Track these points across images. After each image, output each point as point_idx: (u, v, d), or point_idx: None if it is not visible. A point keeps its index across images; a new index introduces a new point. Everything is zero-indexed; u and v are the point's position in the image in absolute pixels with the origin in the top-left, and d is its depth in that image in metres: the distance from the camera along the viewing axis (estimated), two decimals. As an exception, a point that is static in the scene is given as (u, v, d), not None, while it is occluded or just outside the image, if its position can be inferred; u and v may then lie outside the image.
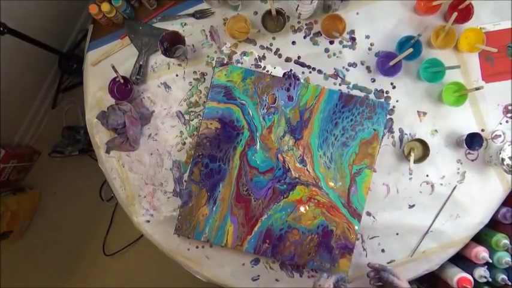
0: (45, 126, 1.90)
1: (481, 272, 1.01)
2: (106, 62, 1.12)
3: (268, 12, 1.03)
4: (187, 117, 1.10)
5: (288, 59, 1.08)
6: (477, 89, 0.96)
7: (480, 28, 1.03)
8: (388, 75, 1.03)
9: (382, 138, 1.05)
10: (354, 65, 1.07)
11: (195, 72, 1.10)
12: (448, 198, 1.05)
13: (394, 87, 1.06)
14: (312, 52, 1.08)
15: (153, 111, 1.10)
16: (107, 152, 1.11)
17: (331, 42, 1.08)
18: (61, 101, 1.87)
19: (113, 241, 1.82)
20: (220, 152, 1.06)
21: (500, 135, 1.05)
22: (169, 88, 1.10)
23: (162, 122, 1.10)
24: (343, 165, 1.04)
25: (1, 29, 1.23)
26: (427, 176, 1.06)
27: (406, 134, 1.06)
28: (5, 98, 1.54)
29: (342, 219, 1.04)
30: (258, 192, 1.05)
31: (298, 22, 1.08)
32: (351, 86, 1.07)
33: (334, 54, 1.07)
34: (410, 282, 1.09)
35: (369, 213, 1.06)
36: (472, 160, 1.06)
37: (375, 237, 1.06)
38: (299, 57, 1.08)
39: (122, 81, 1.05)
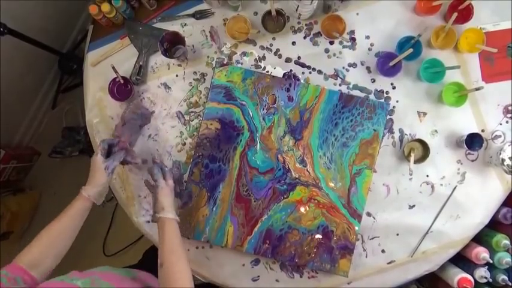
0: (45, 126, 1.90)
1: (482, 273, 1.01)
2: (106, 63, 1.12)
3: (268, 12, 1.03)
4: (187, 117, 1.10)
5: (288, 60, 1.08)
6: (477, 89, 0.96)
7: (480, 28, 1.03)
8: (388, 75, 1.03)
9: (382, 138, 1.05)
10: (354, 65, 1.07)
11: (195, 72, 1.10)
12: (448, 198, 1.05)
13: (394, 88, 1.06)
14: (312, 52, 1.08)
15: (153, 112, 1.10)
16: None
17: (331, 43, 1.08)
18: (61, 101, 1.88)
19: (113, 241, 1.82)
20: (220, 152, 1.06)
21: (500, 136, 1.05)
22: (169, 88, 1.10)
23: (162, 122, 1.10)
24: (343, 166, 1.04)
25: (1, 29, 1.23)
26: (427, 176, 1.05)
27: (406, 135, 1.06)
28: (5, 98, 1.55)
29: (342, 219, 1.04)
30: (258, 193, 1.05)
31: (298, 22, 1.08)
32: (351, 86, 1.07)
33: (334, 55, 1.07)
34: (411, 282, 1.09)
35: (369, 214, 1.06)
36: (472, 160, 1.06)
37: (375, 237, 1.06)
38: (299, 58, 1.08)
39: (122, 81, 1.05)
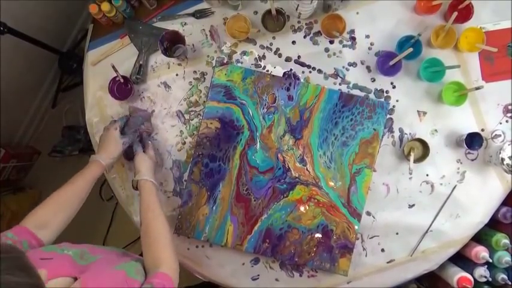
0: (45, 126, 1.90)
1: (481, 272, 1.01)
2: (106, 62, 1.12)
3: (268, 11, 1.03)
4: (187, 116, 1.10)
5: (288, 59, 1.08)
6: (477, 88, 0.96)
7: (480, 28, 1.03)
8: (388, 74, 1.03)
9: (382, 137, 1.05)
10: (354, 64, 1.07)
11: (195, 71, 1.10)
12: (448, 197, 1.05)
13: (394, 87, 1.06)
14: (312, 52, 1.08)
15: (153, 111, 1.10)
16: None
17: (331, 42, 1.08)
18: (61, 100, 1.87)
19: (113, 241, 1.82)
20: (220, 151, 1.06)
21: (500, 135, 1.05)
22: (169, 88, 1.10)
23: (162, 121, 1.10)
24: (343, 165, 1.04)
25: (1, 28, 1.23)
26: (427, 175, 1.06)
27: (406, 134, 1.06)
28: (5, 97, 1.54)
29: (341, 218, 1.04)
30: (258, 192, 1.05)
31: (298, 22, 1.08)
32: (350, 85, 1.07)
33: (334, 54, 1.07)
34: (411, 281, 1.09)
35: (368, 213, 1.06)
36: (472, 160, 1.06)
37: (374, 236, 1.06)
38: (299, 57, 1.08)
39: (122, 80, 1.05)
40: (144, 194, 0.89)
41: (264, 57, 1.09)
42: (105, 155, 0.93)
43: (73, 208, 0.86)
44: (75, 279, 0.64)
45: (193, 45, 1.10)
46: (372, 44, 1.07)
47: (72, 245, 0.74)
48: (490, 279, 1.00)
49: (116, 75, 1.03)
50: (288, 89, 1.06)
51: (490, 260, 0.99)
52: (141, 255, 0.85)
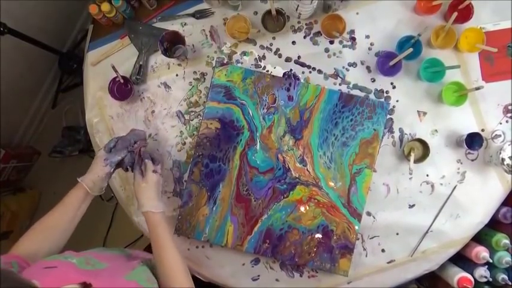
0: (45, 126, 1.90)
1: (482, 272, 1.01)
2: (106, 62, 1.12)
3: (268, 12, 1.03)
4: (187, 117, 1.10)
5: (288, 59, 1.08)
6: (477, 88, 0.96)
7: (480, 28, 1.03)
8: (388, 75, 1.03)
9: (382, 138, 1.05)
10: (354, 64, 1.07)
11: (195, 72, 1.10)
12: (448, 198, 1.05)
13: (394, 87, 1.06)
14: (312, 52, 1.08)
15: (153, 111, 1.10)
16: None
17: (331, 42, 1.08)
18: (61, 101, 1.88)
19: (113, 241, 1.82)
20: (220, 152, 1.06)
21: (500, 135, 1.05)
22: (169, 88, 1.10)
23: (162, 122, 1.10)
24: (343, 165, 1.04)
25: (1, 29, 1.24)
26: (427, 175, 1.05)
27: (406, 134, 1.06)
28: (5, 97, 1.55)
29: (342, 219, 1.04)
30: (258, 192, 1.05)
31: (298, 22, 1.08)
32: (351, 85, 1.07)
33: (334, 54, 1.07)
34: (411, 281, 1.09)
35: (369, 213, 1.06)
36: (472, 160, 1.06)
37: (375, 237, 1.06)
38: (299, 57, 1.08)
39: (122, 81, 1.05)
40: (150, 227, 0.86)
41: (264, 57, 1.09)
42: (89, 176, 0.87)
43: (56, 236, 0.82)
44: (83, 284, 0.63)
45: (193, 45, 1.10)
46: (372, 44, 1.07)
47: (76, 253, 0.73)
48: (491, 279, 1.00)
49: (116, 75, 1.03)
50: (288, 89, 1.06)
51: (491, 260, 0.99)
52: (144, 249, 0.84)
